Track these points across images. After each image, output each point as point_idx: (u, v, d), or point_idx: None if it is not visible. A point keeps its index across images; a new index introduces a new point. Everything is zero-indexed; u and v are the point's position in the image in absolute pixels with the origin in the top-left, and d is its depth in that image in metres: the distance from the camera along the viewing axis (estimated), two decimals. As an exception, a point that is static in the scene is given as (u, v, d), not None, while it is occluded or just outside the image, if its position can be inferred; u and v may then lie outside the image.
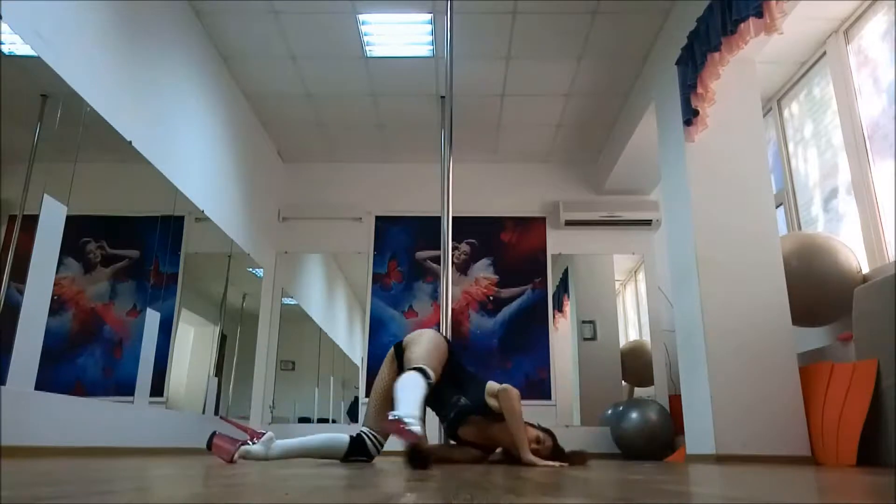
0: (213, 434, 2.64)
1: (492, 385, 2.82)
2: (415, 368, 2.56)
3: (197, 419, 4.28)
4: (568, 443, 5.38)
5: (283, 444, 2.62)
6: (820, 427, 3.15)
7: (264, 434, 2.66)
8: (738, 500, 0.97)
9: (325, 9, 4.19)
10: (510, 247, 5.98)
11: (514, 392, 2.77)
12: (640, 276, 6.06)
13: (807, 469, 2.47)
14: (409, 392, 2.41)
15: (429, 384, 2.52)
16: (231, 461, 2.52)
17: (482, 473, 1.82)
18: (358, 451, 2.60)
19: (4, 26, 2.47)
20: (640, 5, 4.13)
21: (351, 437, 2.62)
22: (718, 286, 3.50)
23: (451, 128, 3.72)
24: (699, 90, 3.55)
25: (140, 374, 3.49)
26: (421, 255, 5.95)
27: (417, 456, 2.15)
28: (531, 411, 5.41)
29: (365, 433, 2.66)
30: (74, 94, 2.91)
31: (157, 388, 3.69)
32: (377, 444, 2.66)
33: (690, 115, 3.64)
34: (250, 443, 2.59)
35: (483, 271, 5.92)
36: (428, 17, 4.28)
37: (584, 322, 5.92)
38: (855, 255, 3.63)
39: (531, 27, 4.35)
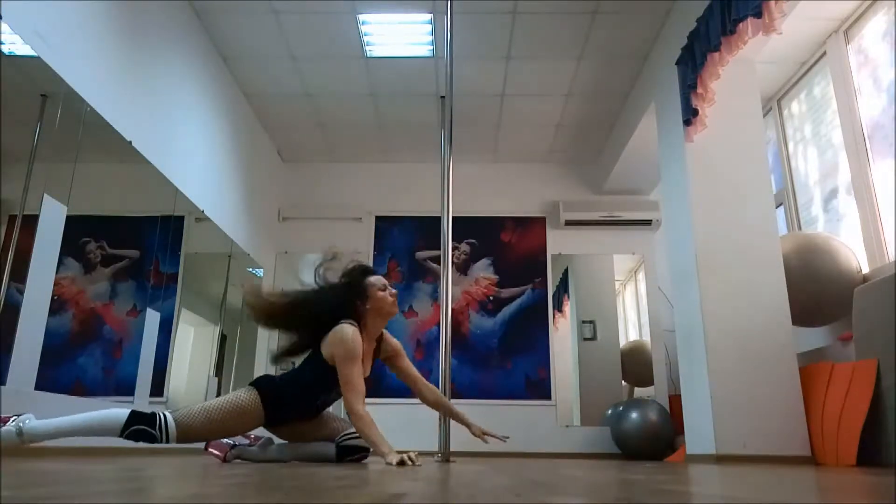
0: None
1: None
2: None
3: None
4: (568, 443, 5.42)
5: (277, 446, 2.65)
6: (820, 427, 3.15)
7: (262, 438, 2.69)
8: (738, 500, 0.97)
9: (325, 9, 4.19)
10: (510, 247, 5.98)
11: (356, 412, 2.34)
12: (640, 276, 6.06)
13: (807, 469, 2.47)
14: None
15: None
16: (224, 460, 2.55)
17: (483, 473, 1.82)
18: (349, 453, 2.60)
19: (4, 26, 2.47)
20: (640, 5, 4.12)
21: (336, 445, 2.60)
22: (718, 286, 3.50)
23: (451, 128, 3.71)
24: (699, 90, 3.55)
25: (140, 374, 3.49)
26: (421, 255, 5.95)
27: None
28: (531, 411, 5.44)
29: (343, 438, 2.61)
30: (74, 94, 2.91)
31: (157, 387, 3.69)
32: (357, 436, 2.63)
33: (690, 115, 3.64)
34: (249, 448, 2.62)
35: (483, 271, 5.92)
36: (428, 17, 4.28)
37: (584, 322, 5.92)
38: (855, 255, 3.63)
39: (531, 27, 4.35)
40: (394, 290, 2.57)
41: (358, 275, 2.57)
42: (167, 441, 2.27)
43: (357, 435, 2.60)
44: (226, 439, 2.64)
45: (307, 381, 2.51)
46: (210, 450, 2.65)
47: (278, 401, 2.46)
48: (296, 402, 2.51)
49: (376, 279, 2.57)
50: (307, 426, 2.63)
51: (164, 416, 2.28)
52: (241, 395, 2.42)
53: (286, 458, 2.63)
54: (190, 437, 2.33)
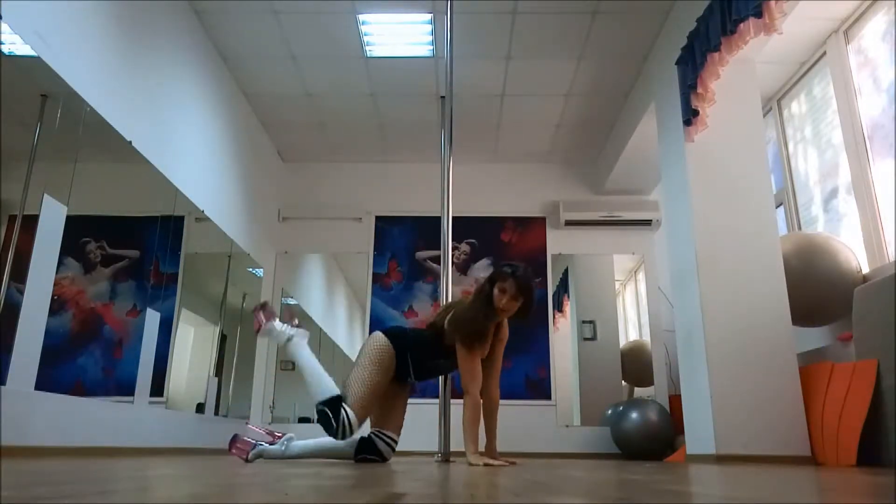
0: (234, 436, 2.71)
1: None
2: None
3: (197, 419, 4.29)
4: (568, 443, 5.42)
5: (299, 444, 2.67)
6: (820, 427, 3.15)
7: (284, 435, 2.71)
8: (738, 500, 0.97)
9: (325, 9, 4.19)
10: (510, 247, 5.98)
11: (468, 402, 2.63)
12: (640, 276, 6.06)
13: (807, 469, 2.47)
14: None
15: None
16: (247, 460, 2.59)
17: (483, 474, 1.82)
18: (368, 450, 2.62)
19: (4, 26, 2.47)
20: (640, 5, 4.12)
21: (361, 437, 2.64)
22: (718, 286, 3.50)
23: (451, 128, 3.71)
24: (699, 90, 3.55)
25: (140, 374, 3.49)
26: (421, 255, 5.95)
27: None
28: (531, 411, 5.44)
29: (375, 434, 2.68)
30: (74, 94, 2.91)
31: (157, 388, 3.69)
32: (389, 443, 2.68)
33: (690, 115, 3.64)
34: (271, 446, 2.64)
35: (483, 271, 5.91)
36: (428, 17, 4.28)
37: (584, 322, 5.91)
38: (855, 255, 3.63)
39: (531, 27, 4.35)
40: (505, 300, 2.68)
41: (492, 273, 2.79)
42: (351, 432, 2.58)
43: (387, 438, 2.67)
44: (248, 438, 2.68)
45: (430, 341, 2.79)
46: (233, 451, 2.67)
47: (405, 351, 2.72)
48: (414, 355, 2.75)
49: (501, 281, 2.69)
50: (393, 397, 2.81)
51: (346, 411, 2.58)
52: (384, 356, 2.68)
53: (307, 455, 2.65)
54: (364, 416, 2.63)
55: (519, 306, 2.69)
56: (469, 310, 2.68)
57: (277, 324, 2.76)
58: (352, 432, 2.57)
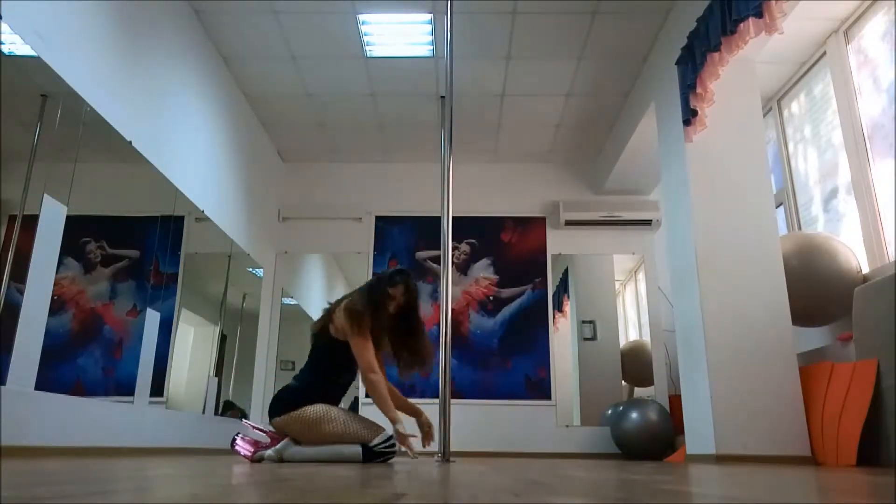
0: (236, 435, 2.73)
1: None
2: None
3: (197, 419, 4.28)
4: (568, 443, 5.42)
5: (298, 452, 2.67)
6: (820, 427, 3.15)
7: (282, 440, 2.72)
8: (738, 500, 0.97)
9: (325, 9, 4.19)
10: (510, 247, 5.98)
11: (371, 380, 2.77)
12: (640, 276, 6.06)
13: (807, 469, 2.47)
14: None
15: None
16: (252, 460, 2.61)
17: (483, 474, 1.83)
18: (374, 457, 2.65)
19: (4, 26, 2.47)
20: (640, 5, 4.12)
21: (363, 447, 2.65)
22: (718, 286, 3.50)
23: (451, 128, 3.71)
24: (699, 90, 3.55)
25: (140, 374, 3.49)
26: (421, 255, 5.95)
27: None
28: (531, 411, 5.44)
29: (374, 443, 2.68)
30: (74, 94, 2.91)
31: (157, 388, 3.69)
32: (388, 445, 2.70)
33: (689, 116, 3.64)
34: (269, 451, 2.66)
35: (483, 271, 5.91)
36: (428, 17, 4.28)
37: (584, 322, 5.91)
38: (855, 255, 3.63)
39: (531, 27, 4.35)
40: (393, 305, 2.91)
41: (386, 275, 3.00)
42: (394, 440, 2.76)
43: (386, 445, 2.69)
44: (250, 437, 2.73)
45: (327, 365, 2.88)
46: (236, 448, 2.69)
47: (313, 403, 2.75)
48: (324, 398, 2.80)
49: (391, 287, 2.90)
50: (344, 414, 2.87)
51: (377, 444, 2.70)
52: (308, 415, 2.71)
53: (308, 459, 2.66)
54: (377, 428, 2.77)
55: (403, 313, 2.88)
56: (359, 303, 2.83)
57: (265, 454, 2.69)
58: (394, 440, 2.72)
